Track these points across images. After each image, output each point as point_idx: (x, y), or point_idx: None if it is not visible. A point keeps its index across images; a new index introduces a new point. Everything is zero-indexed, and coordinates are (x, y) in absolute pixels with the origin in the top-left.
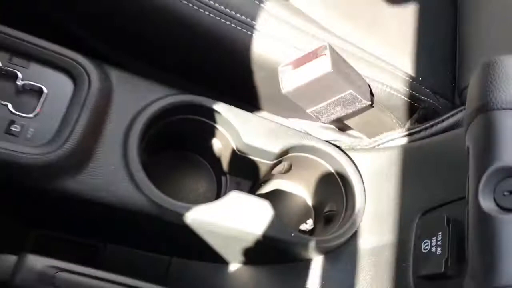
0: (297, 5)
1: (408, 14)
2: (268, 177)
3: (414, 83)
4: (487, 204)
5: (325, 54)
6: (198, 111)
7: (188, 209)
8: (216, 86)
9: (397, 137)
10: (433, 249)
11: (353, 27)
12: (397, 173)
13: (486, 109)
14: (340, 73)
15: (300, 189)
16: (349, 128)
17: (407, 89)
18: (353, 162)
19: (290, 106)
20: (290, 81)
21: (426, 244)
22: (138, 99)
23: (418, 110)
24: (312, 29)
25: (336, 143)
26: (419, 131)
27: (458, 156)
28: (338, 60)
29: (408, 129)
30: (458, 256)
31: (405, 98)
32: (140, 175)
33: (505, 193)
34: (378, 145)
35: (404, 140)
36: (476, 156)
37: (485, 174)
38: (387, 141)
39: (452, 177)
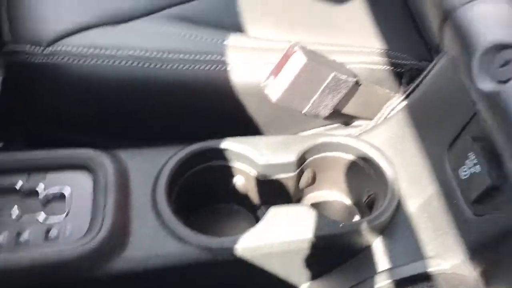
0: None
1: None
2: (299, 195)
3: (390, 52)
4: (487, 85)
5: (296, 50)
6: (208, 157)
7: (235, 240)
8: (213, 132)
9: (396, 104)
10: (472, 170)
11: (310, 34)
12: (411, 130)
13: (454, 10)
14: (317, 61)
15: (333, 194)
16: (351, 119)
17: (385, 59)
18: (368, 142)
19: (287, 124)
20: (275, 89)
21: (464, 169)
22: (152, 166)
23: (404, 74)
24: (278, 45)
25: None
26: (414, 89)
27: (457, 80)
28: (310, 52)
29: (404, 92)
30: (498, 165)
31: (387, 67)
32: (180, 228)
33: (500, 68)
34: (384, 118)
35: (405, 103)
36: (460, 51)
37: (474, 60)
38: (390, 112)
39: (461, 100)
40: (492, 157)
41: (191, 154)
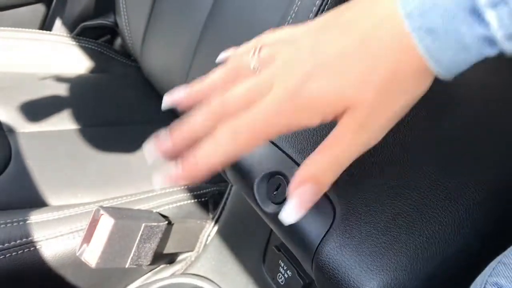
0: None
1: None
2: None
3: (190, 186)
4: (269, 208)
5: (102, 214)
6: None
7: None
8: None
9: (210, 230)
10: (286, 275)
11: (110, 191)
12: (228, 252)
13: None
14: (124, 218)
15: None
16: (174, 255)
17: (188, 194)
18: (195, 274)
19: (113, 282)
20: (92, 255)
21: (280, 277)
22: None
23: (208, 201)
24: (82, 209)
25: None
26: (221, 212)
27: None
28: (115, 211)
29: (213, 218)
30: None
31: (192, 201)
32: None
33: (274, 193)
34: (204, 246)
35: (217, 227)
36: (241, 185)
37: (254, 189)
38: (207, 239)
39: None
40: (297, 260)
41: None
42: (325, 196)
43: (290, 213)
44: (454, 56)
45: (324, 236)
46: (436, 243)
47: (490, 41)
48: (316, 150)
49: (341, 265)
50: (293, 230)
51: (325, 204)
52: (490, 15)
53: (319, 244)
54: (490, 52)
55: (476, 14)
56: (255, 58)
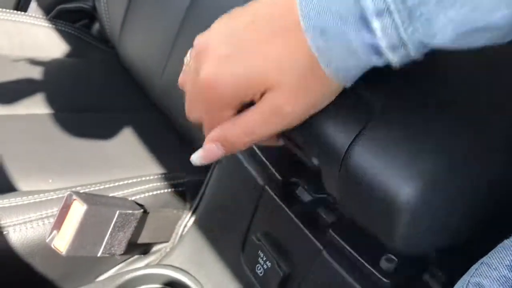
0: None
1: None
2: None
3: (167, 175)
4: None
5: (75, 199)
6: None
7: None
8: None
9: (187, 220)
10: (265, 266)
11: (84, 176)
12: (206, 242)
13: None
14: (98, 204)
15: None
16: (149, 246)
17: (165, 182)
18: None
19: (84, 271)
20: (62, 242)
21: (258, 267)
22: None
23: (186, 191)
24: (54, 195)
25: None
26: (199, 203)
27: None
28: (89, 197)
29: (191, 208)
30: (285, 256)
31: (169, 190)
32: None
33: None
34: (179, 237)
35: (194, 218)
36: None
37: None
38: (183, 230)
39: (240, 204)
40: (277, 250)
41: None
42: (359, 94)
43: (195, 160)
44: (343, 59)
45: (357, 135)
46: (474, 160)
47: (376, 49)
48: (233, 118)
49: (375, 166)
50: (322, 131)
51: (361, 101)
52: (376, 24)
53: (350, 144)
54: (377, 61)
55: (364, 21)
56: (187, 58)
